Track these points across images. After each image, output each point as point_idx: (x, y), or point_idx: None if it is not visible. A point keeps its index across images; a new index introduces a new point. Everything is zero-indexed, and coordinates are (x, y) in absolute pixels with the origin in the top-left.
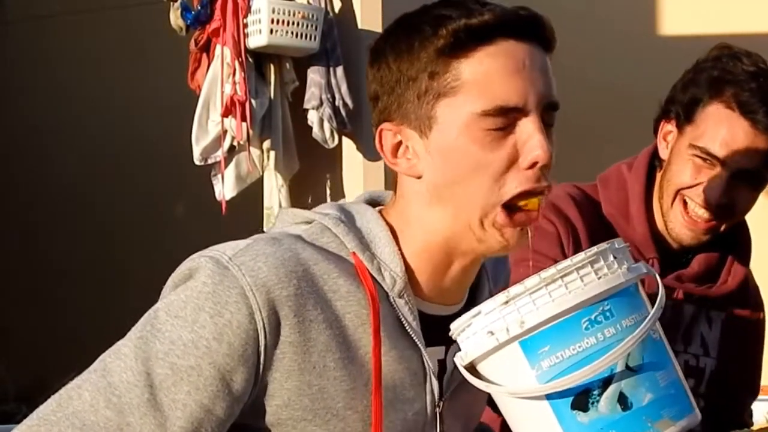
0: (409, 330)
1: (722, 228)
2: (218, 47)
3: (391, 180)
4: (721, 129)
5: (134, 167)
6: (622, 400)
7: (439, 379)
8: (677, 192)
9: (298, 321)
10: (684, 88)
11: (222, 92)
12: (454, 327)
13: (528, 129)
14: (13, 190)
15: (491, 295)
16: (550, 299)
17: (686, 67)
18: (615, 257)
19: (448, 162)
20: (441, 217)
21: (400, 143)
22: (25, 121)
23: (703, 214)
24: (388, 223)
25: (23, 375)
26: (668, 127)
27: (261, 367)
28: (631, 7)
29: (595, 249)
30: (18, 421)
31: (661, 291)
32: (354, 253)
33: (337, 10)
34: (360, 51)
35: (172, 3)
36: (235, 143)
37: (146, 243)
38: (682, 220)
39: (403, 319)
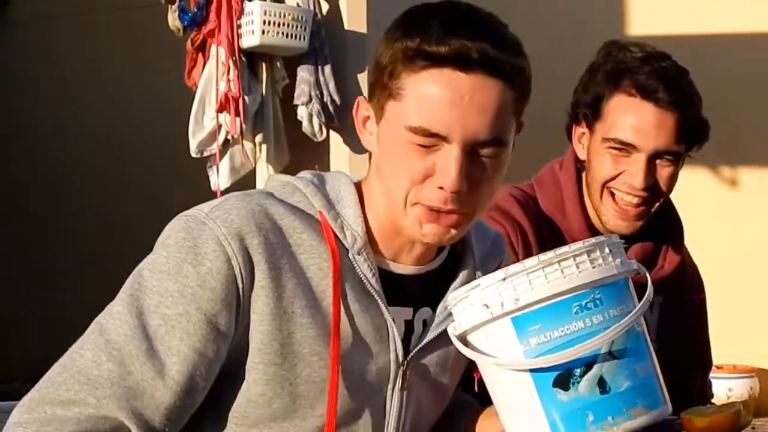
0: (368, 286)
1: (653, 210)
2: (213, 47)
3: None
4: (628, 116)
5: (134, 159)
6: (602, 384)
7: (408, 338)
8: (603, 186)
9: (268, 267)
10: (585, 89)
11: (217, 89)
12: (452, 297)
13: (447, 157)
14: (19, 183)
15: (474, 263)
16: (545, 281)
17: None
18: (610, 250)
19: (384, 151)
20: (382, 192)
21: (368, 118)
22: (30, 117)
23: (632, 200)
24: (360, 191)
25: (30, 355)
26: (580, 130)
27: (241, 308)
28: (601, 8)
29: (593, 240)
30: None
31: (650, 287)
32: (320, 211)
33: (324, 12)
34: (346, 50)
35: (170, 5)
36: (229, 137)
37: (145, 230)
38: (614, 211)
39: (362, 275)
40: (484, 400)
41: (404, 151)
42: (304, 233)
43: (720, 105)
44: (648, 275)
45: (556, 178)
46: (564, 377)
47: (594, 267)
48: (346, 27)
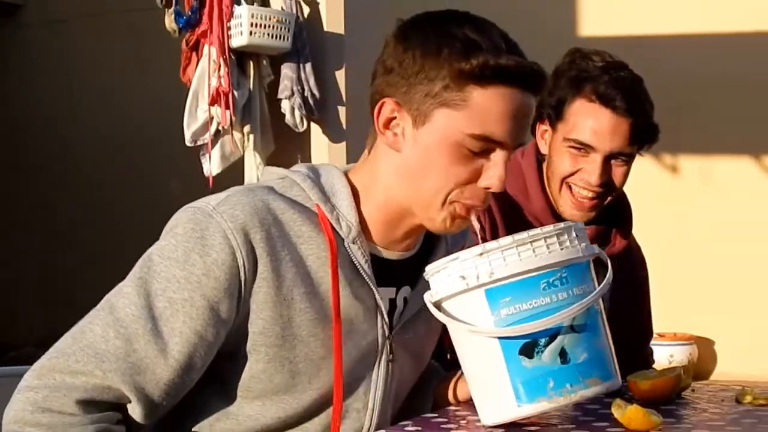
0: (361, 271)
1: (605, 202)
2: (206, 47)
3: (351, 158)
4: (588, 120)
5: (135, 148)
6: (563, 355)
7: (391, 315)
8: (562, 180)
9: (270, 259)
10: (550, 92)
11: (209, 85)
12: (430, 268)
13: (498, 159)
14: (31, 171)
15: (447, 247)
16: (518, 258)
17: None
18: (577, 235)
19: (425, 156)
20: (405, 189)
21: (394, 119)
22: (39, 111)
23: (587, 194)
24: (351, 182)
25: (37, 324)
26: (543, 127)
27: (242, 298)
28: (552, 10)
29: (562, 225)
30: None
31: (610, 271)
32: (317, 204)
33: (306, 15)
34: (325, 50)
35: (166, 9)
36: (220, 128)
37: (144, 211)
38: (570, 202)
39: (356, 261)
40: (454, 366)
41: (453, 156)
42: (304, 225)
43: (662, 98)
44: (608, 260)
45: (518, 165)
46: (529, 346)
47: (562, 249)
48: (325, 29)
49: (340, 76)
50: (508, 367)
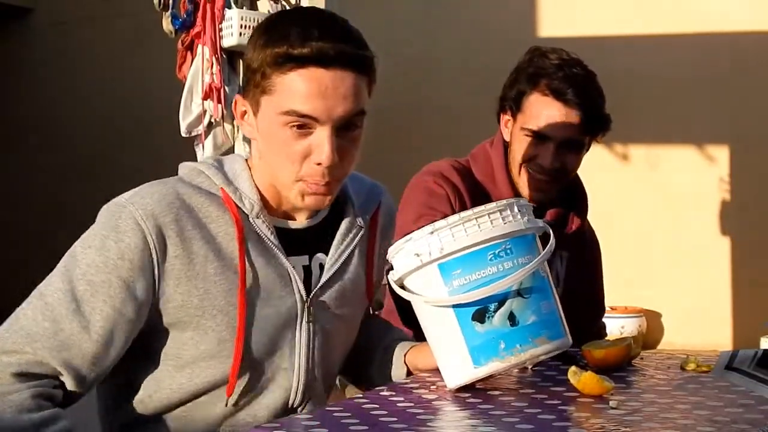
0: (268, 242)
1: (560, 184)
2: (200, 46)
3: None
4: (543, 111)
5: (135, 139)
6: (512, 318)
7: (309, 281)
8: (521, 165)
9: (180, 239)
10: (511, 85)
11: (203, 81)
12: (391, 250)
13: (320, 137)
14: (44, 160)
15: (354, 212)
16: (465, 234)
17: None
18: (519, 210)
19: (266, 139)
20: (267, 169)
21: (245, 112)
22: (48, 106)
23: (543, 177)
24: (250, 167)
25: None
26: (506, 117)
27: (157, 277)
28: (512, 13)
29: (504, 201)
30: None
31: (552, 239)
32: (222, 188)
33: None
34: None
35: (164, 12)
36: (212, 120)
37: None
38: (529, 184)
39: (263, 234)
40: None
41: (282, 137)
42: (211, 207)
43: (613, 93)
44: (551, 231)
45: (487, 153)
46: (480, 312)
47: (505, 223)
48: None
49: None
50: (463, 332)
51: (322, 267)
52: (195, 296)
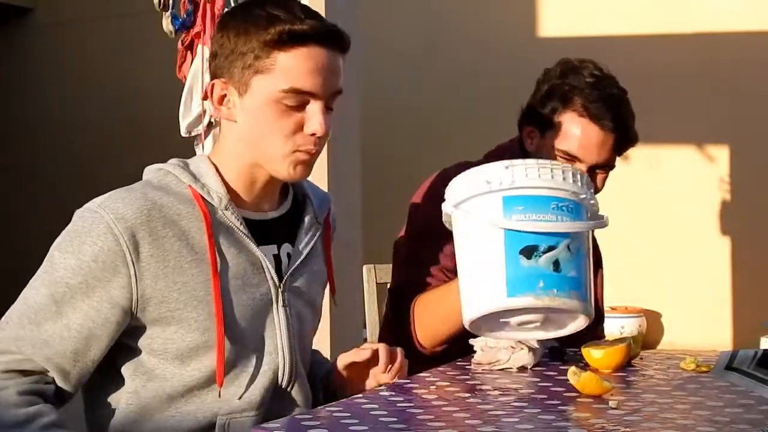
0: (238, 233)
1: None
2: (199, 46)
3: (329, 145)
4: (576, 133)
5: (136, 138)
6: (556, 265)
7: (280, 269)
8: None
9: (152, 239)
10: (542, 101)
11: (202, 81)
12: (455, 179)
13: (314, 109)
14: (44, 159)
15: (314, 209)
16: (538, 176)
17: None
18: (587, 186)
19: (253, 119)
20: (249, 150)
21: (224, 96)
22: (48, 105)
23: None
24: (214, 164)
25: None
26: (530, 128)
27: (133, 276)
28: (514, 12)
29: (579, 169)
30: None
31: (606, 217)
32: (189, 186)
33: None
34: None
35: (164, 12)
36: (212, 120)
37: None
38: None
39: (232, 225)
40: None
41: (275, 113)
42: (180, 204)
43: None
44: (608, 224)
45: (504, 156)
46: (529, 249)
47: (578, 185)
48: None
49: None
50: (507, 261)
51: (289, 256)
52: (174, 290)
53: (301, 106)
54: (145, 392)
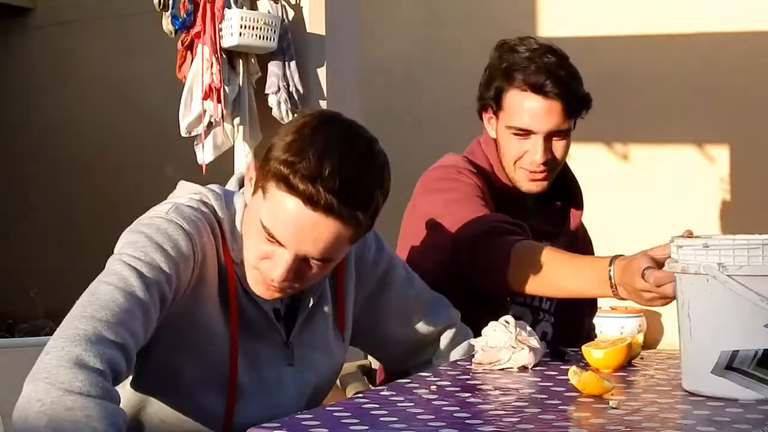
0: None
1: (554, 173)
2: (200, 46)
3: None
4: (524, 107)
5: (136, 138)
6: None
7: (288, 322)
8: (513, 162)
9: (203, 258)
10: (487, 84)
11: (202, 81)
12: (679, 242)
13: (279, 257)
14: (45, 159)
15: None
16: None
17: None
18: None
19: (247, 221)
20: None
21: (252, 178)
22: (48, 107)
23: (537, 170)
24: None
25: (50, 299)
26: (488, 115)
27: (190, 283)
28: (514, 12)
29: None
30: (45, 335)
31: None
32: (224, 241)
33: (290, 18)
34: (308, 49)
35: (164, 12)
36: (212, 120)
37: (143, 195)
38: (525, 178)
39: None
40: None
41: (258, 234)
42: (212, 249)
43: (614, 93)
44: None
45: (481, 149)
46: None
47: None
48: (308, 30)
49: (322, 73)
50: None
51: (295, 310)
52: (198, 317)
53: (276, 245)
54: (143, 411)
